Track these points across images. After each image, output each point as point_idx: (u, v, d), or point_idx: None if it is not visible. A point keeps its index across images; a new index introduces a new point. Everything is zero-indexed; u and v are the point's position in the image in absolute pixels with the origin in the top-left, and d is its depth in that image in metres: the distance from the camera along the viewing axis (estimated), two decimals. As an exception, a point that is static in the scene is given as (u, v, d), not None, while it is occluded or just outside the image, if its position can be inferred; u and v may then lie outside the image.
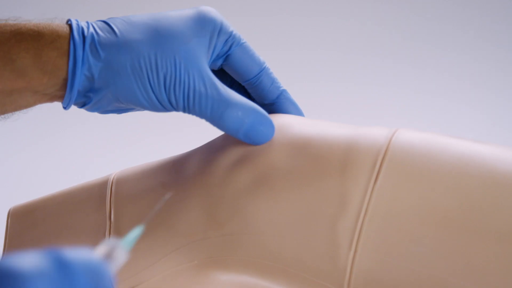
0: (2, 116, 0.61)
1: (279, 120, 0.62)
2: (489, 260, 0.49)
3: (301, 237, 0.55)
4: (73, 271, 0.39)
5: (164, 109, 0.60)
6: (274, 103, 0.65)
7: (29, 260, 0.38)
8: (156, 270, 0.60)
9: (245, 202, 0.57)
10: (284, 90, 0.65)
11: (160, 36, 0.59)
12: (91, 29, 0.59)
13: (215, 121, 0.59)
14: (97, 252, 0.43)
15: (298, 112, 0.66)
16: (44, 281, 0.38)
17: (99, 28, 0.59)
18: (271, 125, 0.60)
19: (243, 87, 0.66)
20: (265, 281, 0.58)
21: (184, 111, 0.60)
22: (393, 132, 0.56)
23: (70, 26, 0.59)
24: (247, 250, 0.57)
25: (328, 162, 0.56)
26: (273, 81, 0.64)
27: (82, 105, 0.62)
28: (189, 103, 0.59)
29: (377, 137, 0.56)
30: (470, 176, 0.52)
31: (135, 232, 0.47)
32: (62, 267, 0.39)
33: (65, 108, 0.61)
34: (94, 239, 0.64)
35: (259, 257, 0.57)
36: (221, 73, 0.66)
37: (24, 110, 0.62)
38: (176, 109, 0.60)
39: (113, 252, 0.44)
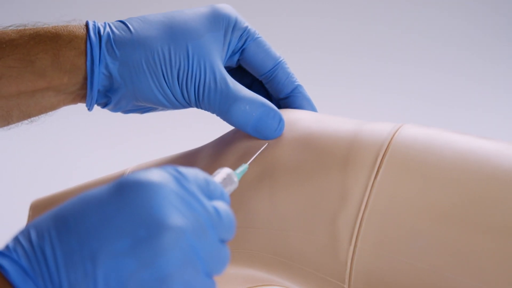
0: (29, 120, 0.63)
1: (288, 115, 0.62)
2: (486, 255, 0.50)
3: (303, 232, 0.56)
4: (190, 183, 0.45)
5: (180, 104, 0.61)
6: (288, 97, 0.66)
7: (154, 173, 0.44)
8: None
9: (249, 196, 0.58)
10: (299, 85, 0.66)
11: (173, 32, 0.60)
12: (108, 29, 0.60)
13: (223, 115, 0.60)
14: (214, 176, 0.50)
15: (311, 107, 0.66)
16: (168, 188, 0.44)
17: (116, 27, 0.61)
18: (280, 119, 0.60)
19: (263, 84, 0.67)
20: (271, 275, 0.59)
21: (196, 105, 0.61)
22: (397, 127, 0.57)
23: (87, 26, 0.60)
24: (252, 243, 0.58)
25: (331, 158, 0.57)
26: (288, 75, 0.65)
27: (104, 105, 0.63)
28: (199, 97, 0.60)
29: (381, 132, 0.56)
30: (470, 171, 0.52)
31: (242, 168, 0.54)
32: (181, 179, 0.45)
33: (89, 109, 0.63)
34: None
35: (263, 250, 0.58)
36: (242, 71, 0.67)
37: (50, 113, 0.63)
38: (189, 103, 0.61)
39: (226, 178, 0.51)
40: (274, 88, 0.66)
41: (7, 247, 0.43)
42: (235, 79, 0.68)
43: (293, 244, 0.57)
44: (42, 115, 0.63)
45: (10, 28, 0.60)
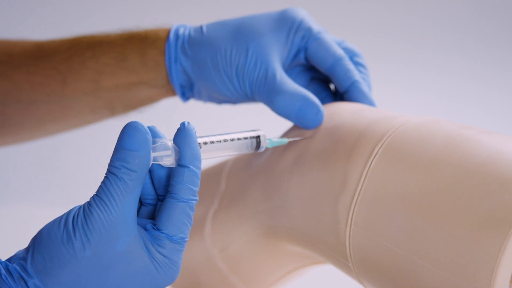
0: (135, 110, 0.74)
1: (329, 108, 0.67)
2: (450, 243, 0.52)
3: (315, 213, 0.61)
4: None
5: (242, 98, 0.69)
6: (347, 91, 0.69)
7: None
8: (238, 234, 0.69)
9: (285, 178, 0.64)
10: (356, 81, 0.68)
11: (238, 33, 0.67)
12: (186, 31, 0.69)
13: (270, 105, 0.67)
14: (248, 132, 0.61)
15: (368, 101, 0.69)
16: None
17: (194, 30, 0.70)
18: (318, 111, 0.65)
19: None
20: (306, 252, 0.65)
21: (253, 98, 0.69)
22: (408, 120, 0.59)
23: (171, 29, 0.70)
24: (285, 222, 0.64)
25: (342, 146, 0.61)
26: (346, 71, 0.68)
27: (193, 97, 0.73)
28: (252, 91, 0.67)
29: (389, 123, 0.59)
30: (447, 163, 0.54)
31: (280, 139, 0.64)
32: None
33: (184, 101, 0.73)
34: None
35: (292, 229, 0.64)
36: (312, 68, 0.73)
37: (152, 105, 0.74)
38: (248, 97, 0.68)
39: (259, 138, 0.61)
40: (335, 83, 0.70)
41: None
42: (311, 75, 0.73)
43: (309, 224, 0.62)
44: (145, 106, 0.74)
45: (114, 32, 0.72)
